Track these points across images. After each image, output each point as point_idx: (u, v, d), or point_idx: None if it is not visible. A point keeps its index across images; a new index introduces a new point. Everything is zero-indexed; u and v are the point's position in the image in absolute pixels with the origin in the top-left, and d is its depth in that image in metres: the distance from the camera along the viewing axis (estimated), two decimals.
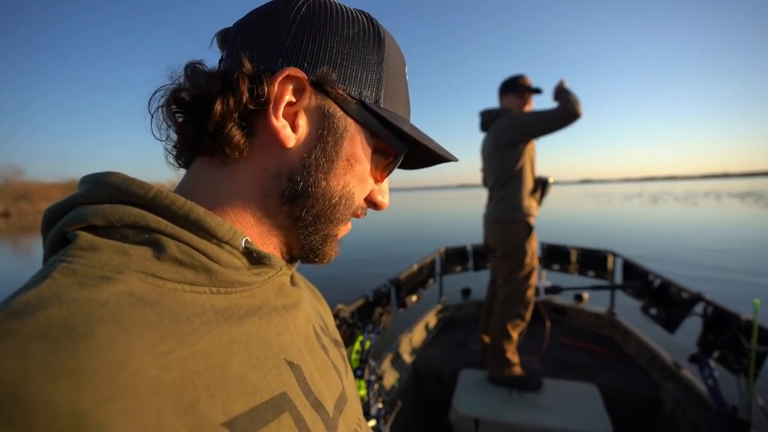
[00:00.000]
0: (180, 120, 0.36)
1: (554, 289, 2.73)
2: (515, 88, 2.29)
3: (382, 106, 0.39)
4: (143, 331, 0.24)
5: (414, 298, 2.82)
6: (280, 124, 0.35)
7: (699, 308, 2.03)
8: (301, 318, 0.42)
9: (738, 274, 7.39)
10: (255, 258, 0.36)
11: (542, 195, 2.30)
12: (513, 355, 2.26)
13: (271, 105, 0.34)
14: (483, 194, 2.54)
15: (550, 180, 2.29)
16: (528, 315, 2.29)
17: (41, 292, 0.24)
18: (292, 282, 0.46)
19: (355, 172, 0.39)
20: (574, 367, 2.51)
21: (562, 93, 2.09)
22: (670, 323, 2.19)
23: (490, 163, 2.35)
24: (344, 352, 0.53)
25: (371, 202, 0.45)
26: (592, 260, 3.21)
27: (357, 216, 0.44)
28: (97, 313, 0.23)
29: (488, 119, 2.37)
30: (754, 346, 1.57)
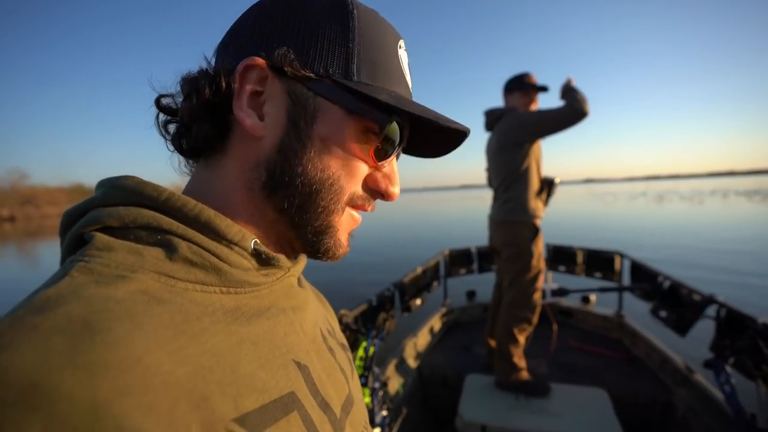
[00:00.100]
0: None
1: (561, 292, 2.68)
2: (521, 86, 2.25)
3: (355, 79, 0.36)
4: (156, 328, 0.25)
5: (418, 301, 2.78)
6: (244, 114, 0.35)
7: (711, 311, 1.97)
8: (308, 319, 0.42)
9: (748, 277, 7.15)
10: (263, 259, 0.36)
11: (548, 196, 2.26)
12: (520, 360, 2.22)
13: (234, 98, 0.35)
14: (486, 195, 2.50)
15: (557, 180, 2.25)
16: (535, 319, 2.25)
17: (61, 289, 0.25)
18: (299, 284, 0.46)
19: (334, 155, 0.36)
20: (582, 370, 2.47)
21: (569, 91, 2.05)
22: (681, 326, 2.14)
23: (495, 164, 2.31)
24: (350, 355, 0.53)
25: (375, 191, 0.41)
26: (599, 261, 3.17)
27: (361, 208, 0.40)
28: (113, 309, 0.24)
29: (493, 119, 2.34)
30: None
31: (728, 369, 1.66)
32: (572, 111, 2.01)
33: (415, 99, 0.42)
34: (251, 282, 0.35)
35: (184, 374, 0.25)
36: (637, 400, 2.17)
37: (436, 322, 3.16)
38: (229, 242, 0.34)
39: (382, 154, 0.39)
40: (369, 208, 0.41)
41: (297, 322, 0.39)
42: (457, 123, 0.39)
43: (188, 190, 0.39)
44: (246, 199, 0.37)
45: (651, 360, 2.49)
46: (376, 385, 1.69)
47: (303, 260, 0.46)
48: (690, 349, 2.39)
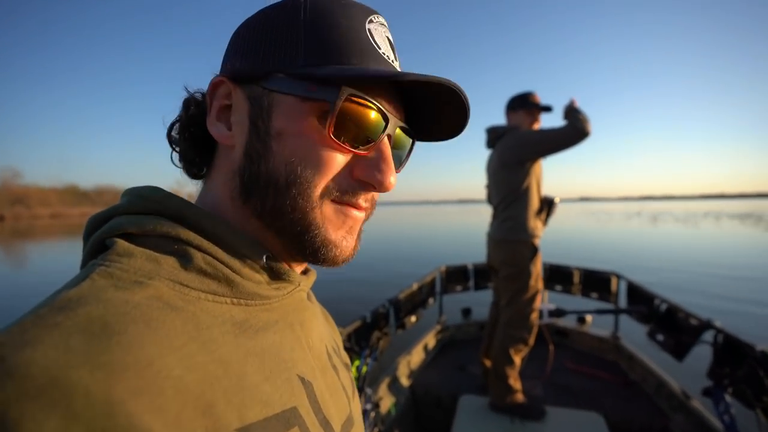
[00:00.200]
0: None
1: (558, 313, 2.65)
2: (525, 105, 2.26)
3: (301, 65, 0.34)
4: (169, 333, 0.26)
5: (413, 318, 2.73)
6: (214, 127, 0.38)
7: (708, 336, 1.95)
8: (314, 336, 0.43)
9: (744, 305, 7.05)
10: (275, 273, 0.37)
11: (548, 215, 2.26)
12: (515, 381, 2.18)
13: (207, 115, 0.38)
14: (484, 210, 2.50)
15: (556, 200, 2.24)
16: (531, 339, 2.21)
17: (82, 290, 0.26)
18: (309, 299, 0.47)
19: (294, 147, 0.34)
20: (578, 393, 2.43)
21: (572, 112, 2.07)
22: (678, 350, 2.12)
23: (495, 181, 2.31)
24: (352, 376, 0.53)
25: (364, 183, 0.37)
26: (596, 282, 3.15)
27: (350, 203, 0.37)
28: (130, 313, 0.25)
29: (495, 136, 2.34)
30: None
31: (727, 398, 1.63)
32: (574, 131, 2.02)
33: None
34: (262, 295, 0.36)
35: (193, 380, 0.25)
36: (632, 426, 2.12)
37: (430, 340, 3.11)
38: (242, 255, 0.35)
39: (363, 139, 0.35)
40: (362, 203, 0.38)
41: (304, 337, 0.40)
42: (438, 78, 0.33)
43: (199, 203, 0.41)
44: (232, 209, 0.38)
45: (647, 384, 2.45)
46: (368, 406, 1.64)
47: (313, 275, 0.46)
48: (685, 373, 2.36)
